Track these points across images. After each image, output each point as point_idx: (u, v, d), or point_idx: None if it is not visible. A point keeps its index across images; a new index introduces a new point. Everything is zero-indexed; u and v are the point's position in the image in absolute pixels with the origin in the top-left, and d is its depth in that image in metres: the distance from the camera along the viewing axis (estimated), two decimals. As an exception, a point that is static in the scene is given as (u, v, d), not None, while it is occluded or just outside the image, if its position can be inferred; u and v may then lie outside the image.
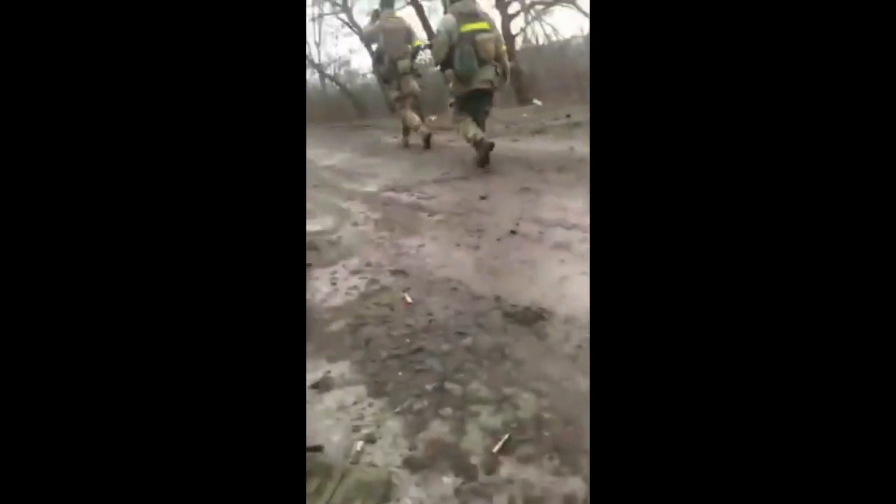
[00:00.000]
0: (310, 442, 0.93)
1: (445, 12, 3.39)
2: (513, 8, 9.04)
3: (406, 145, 4.79)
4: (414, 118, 4.62)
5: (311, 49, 10.35)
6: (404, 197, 2.92)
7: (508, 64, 3.30)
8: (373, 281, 1.70)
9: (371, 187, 3.33)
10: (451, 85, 3.31)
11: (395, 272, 1.75)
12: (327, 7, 10.11)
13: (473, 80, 3.10)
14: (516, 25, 9.51)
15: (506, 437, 0.89)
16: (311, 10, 10.00)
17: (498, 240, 1.98)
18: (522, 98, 8.66)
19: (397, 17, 4.76)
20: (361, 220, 2.50)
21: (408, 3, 8.70)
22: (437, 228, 2.24)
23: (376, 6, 4.92)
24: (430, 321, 1.37)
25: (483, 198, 2.61)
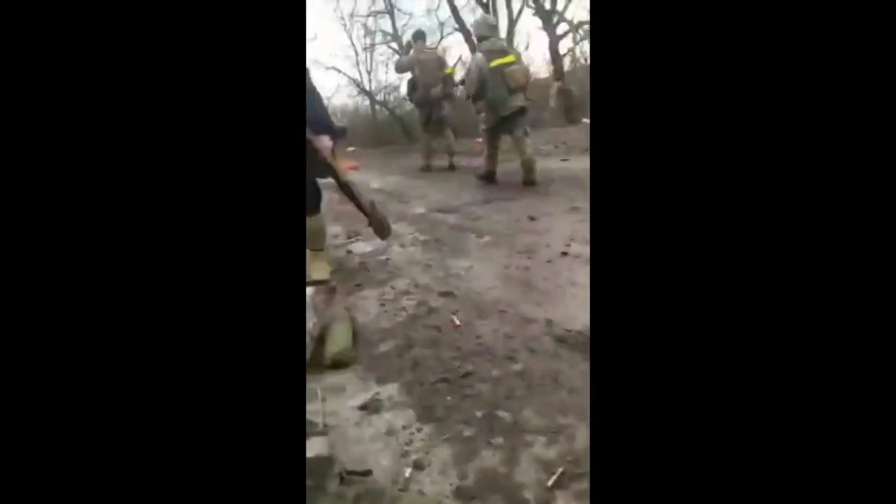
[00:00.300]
0: (359, 466, 0.92)
1: (474, 51, 3.76)
2: (561, 28, 9.05)
3: (428, 169, 5.14)
4: (439, 145, 5.15)
5: (363, 77, 10.91)
6: (452, 218, 2.93)
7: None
8: (421, 303, 1.70)
9: (419, 209, 3.38)
10: (482, 115, 3.66)
11: (443, 294, 1.75)
12: (378, 37, 10.66)
13: (505, 107, 3.43)
14: (564, 45, 9.50)
15: (560, 470, 0.84)
16: (363, 41, 10.62)
17: (548, 261, 1.93)
18: (571, 118, 8.58)
19: (430, 48, 5.36)
20: (409, 242, 2.53)
21: (456, 30, 8.97)
22: (486, 249, 2.22)
23: (409, 38, 5.51)
24: (479, 344, 1.34)
25: (532, 218, 2.58)
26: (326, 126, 1.85)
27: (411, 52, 5.07)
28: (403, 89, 6.23)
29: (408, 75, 5.12)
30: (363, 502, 0.83)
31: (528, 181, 3.45)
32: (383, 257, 2.32)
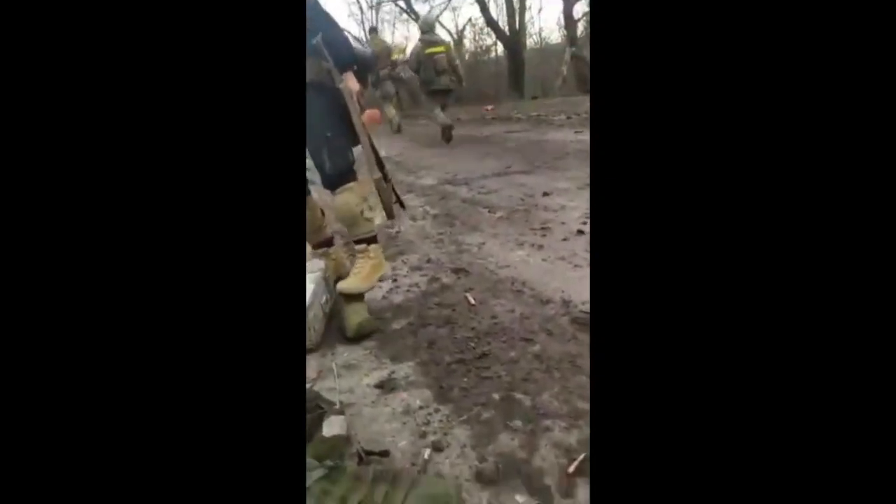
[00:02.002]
0: (376, 446, 0.92)
1: (418, 41, 5.31)
2: (576, -8, 8.68)
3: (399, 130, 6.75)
4: (387, 112, 6.63)
5: (367, 35, 10.66)
6: (463, 191, 2.88)
7: (462, 73, 5.20)
8: (434, 279, 1.68)
9: (429, 180, 3.33)
10: (420, 87, 5.29)
11: (456, 270, 1.72)
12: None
13: (434, 84, 4.96)
14: (579, 9, 9.12)
15: (581, 456, 0.83)
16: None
17: (564, 239, 1.89)
18: (584, 87, 8.32)
19: (380, 39, 7.40)
20: (420, 215, 2.49)
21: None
22: (499, 225, 2.18)
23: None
24: (495, 324, 1.32)
25: (546, 194, 2.52)
26: (351, 58, 1.41)
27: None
28: (409, 50, 7.65)
29: (416, 35, 6.68)
30: (382, 483, 0.83)
31: (447, 140, 4.96)
32: (393, 231, 2.29)
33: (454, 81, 5.05)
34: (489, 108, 7.39)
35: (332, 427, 0.94)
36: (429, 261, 1.86)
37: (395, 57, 6.46)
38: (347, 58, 1.38)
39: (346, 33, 1.43)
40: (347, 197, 1.43)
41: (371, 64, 1.67)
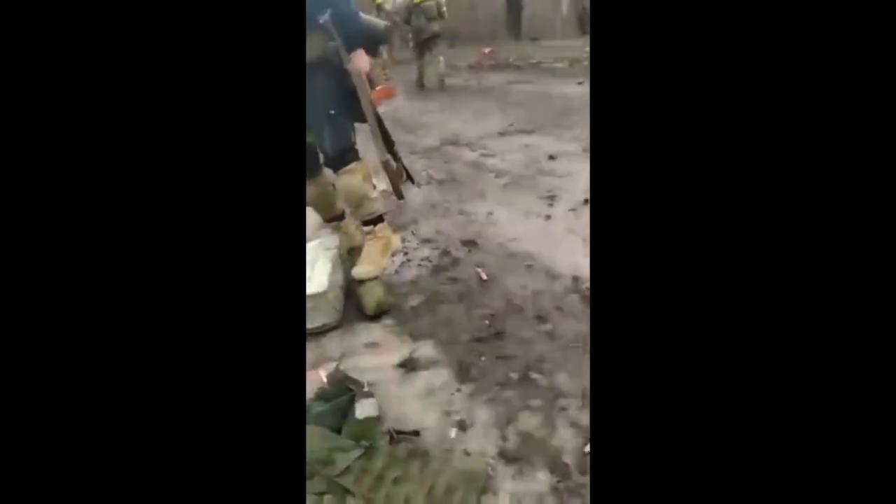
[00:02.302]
0: (405, 425, 1.00)
1: None
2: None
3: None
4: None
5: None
6: (467, 153, 2.85)
7: (446, 12, 5.39)
8: (444, 252, 1.71)
9: (429, 140, 3.27)
10: (410, 35, 5.45)
11: (466, 243, 1.75)
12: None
13: (424, 32, 5.21)
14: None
15: (596, 435, 0.91)
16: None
17: (572, 209, 1.91)
18: (585, 27, 7.95)
19: None
20: (424, 180, 2.47)
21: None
22: (506, 193, 2.18)
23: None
24: (508, 302, 1.37)
25: (552, 157, 2.50)
26: (362, 37, 1.34)
27: None
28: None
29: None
30: (416, 461, 0.91)
31: (441, 89, 5.28)
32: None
33: (440, 29, 5.35)
34: (488, 51, 7.05)
35: (364, 409, 1.01)
36: (438, 232, 1.88)
37: (378, 2, 6.27)
38: (358, 37, 1.32)
39: (356, 7, 1.34)
40: (350, 179, 1.41)
41: (383, 36, 1.58)
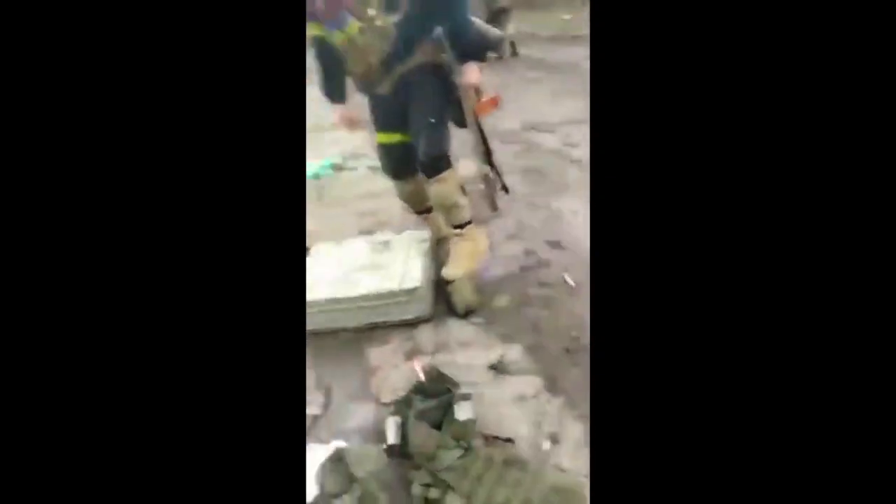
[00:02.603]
0: (499, 431, 1.06)
1: None
2: None
3: None
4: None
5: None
6: (549, 139, 2.78)
7: None
8: (530, 252, 1.73)
9: (509, 123, 3.20)
10: (482, 7, 5.08)
11: (552, 244, 1.75)
12: None
13: (496, 3, 5.03)
14: None
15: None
16: None
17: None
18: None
19: None
20: (508, 169, 2.45)
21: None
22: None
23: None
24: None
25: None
26: (475, 55, 1.31)
27: None
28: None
29: None
30: (512, 468, 0.97)
31: (514, 54, 5.32)
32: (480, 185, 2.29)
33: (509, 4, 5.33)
34: (567, 17, 6.58)
35: (462, 411, 1.08)
36: (522, 227, 1.89)
37: None
38: (470, 51, 1.31)
39: (471, 19, 1.32)
40: (442, 187, 1.42)
41: (496, 46, 1.57)
